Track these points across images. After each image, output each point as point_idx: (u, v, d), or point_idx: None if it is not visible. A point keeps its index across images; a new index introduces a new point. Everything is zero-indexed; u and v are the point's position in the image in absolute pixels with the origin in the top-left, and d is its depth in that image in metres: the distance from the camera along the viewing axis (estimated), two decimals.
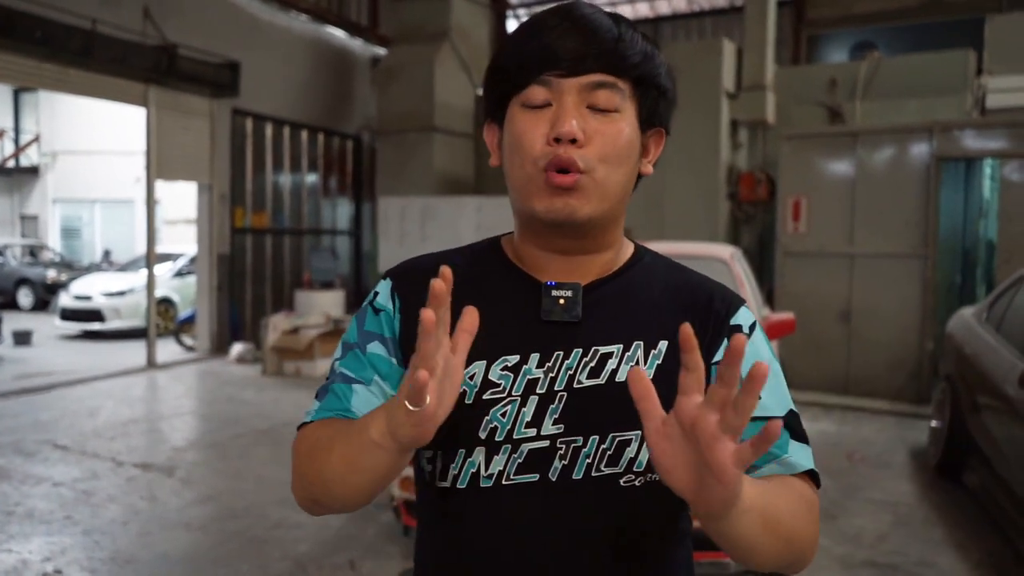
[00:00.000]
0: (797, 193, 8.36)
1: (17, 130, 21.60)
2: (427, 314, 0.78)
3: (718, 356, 0.99)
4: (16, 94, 21.23)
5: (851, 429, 6.88)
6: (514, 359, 0.98)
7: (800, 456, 0.98)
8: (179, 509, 4.73)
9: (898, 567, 3.99)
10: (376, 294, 1.07)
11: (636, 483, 0.95)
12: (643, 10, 16.61)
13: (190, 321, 10.92)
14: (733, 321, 1.02)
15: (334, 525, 4.35)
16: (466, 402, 0.96)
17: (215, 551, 4.16)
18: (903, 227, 7.87)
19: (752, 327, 1.02)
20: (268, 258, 11.58)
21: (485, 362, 0.98)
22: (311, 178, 12.46)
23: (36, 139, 21.46)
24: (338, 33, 12.59)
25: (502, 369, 0.97)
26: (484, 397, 0.96)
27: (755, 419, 0.97)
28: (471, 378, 0.97)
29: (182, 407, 7.76)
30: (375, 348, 1.03)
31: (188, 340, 10.85)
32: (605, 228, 1.00)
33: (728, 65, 9.75)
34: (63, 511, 4.62)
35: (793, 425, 0.99)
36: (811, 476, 0.99)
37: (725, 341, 1.00)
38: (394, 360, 1.03)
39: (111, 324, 12.18)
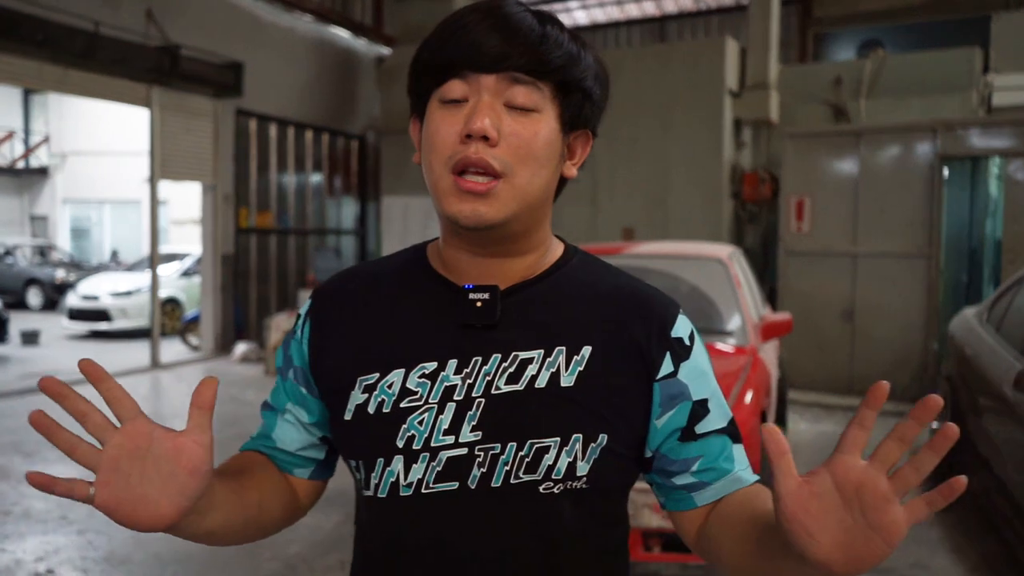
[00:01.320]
0: (800, 192, 8.32)
1: (27, 131, 21.77)
2: (34, 416, 0.82)
3: (662, 372, 0.98)
4: (26, 95, 21.39)
5: None
6: (431, 366, 0.96)
7: (741, 459, 1.01)
8: None
9: (892, 569, 3.96)
10: (299, 316, 1.09)
11: (555, 490, 0.93)
12: (650, 9, 16.57)
13: (196, 321, 10.96)
14: (674, 334, 1.00)
15: (326, 527, 4.35)
16: (384, 411, 0.95)
17: (207, 552, 4.15)
18: (907, 226, 7.82)
19: (691, 337, 1.01)
20: (272, 258, 11.62)
21: (403, 370, 0.96)
22: (315, 178, 12.48)
23: (45, 140, 21.63)
24: (342, 33, 12.60)
25: (419, 376, 0.96)
26: (401, 405, 0.95)
27: (707, 434, 0.99)
28: (389, 387, 0.96)
29: (184, 407, 7.77)
30: (291, 375, 1.06)
31: (194, 340, 10.89)
32: (524, 232, 0.97)
33: (731, 64, 9.71)
34: (59, 511, 4.64)
35: (731, 431, 1.01)
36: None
37: (667, 356, 0.98)
38: (304, 389, 1.05)
39: (118, 324, 12.25)
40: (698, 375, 0.99)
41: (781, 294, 8.40)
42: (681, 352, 0.99)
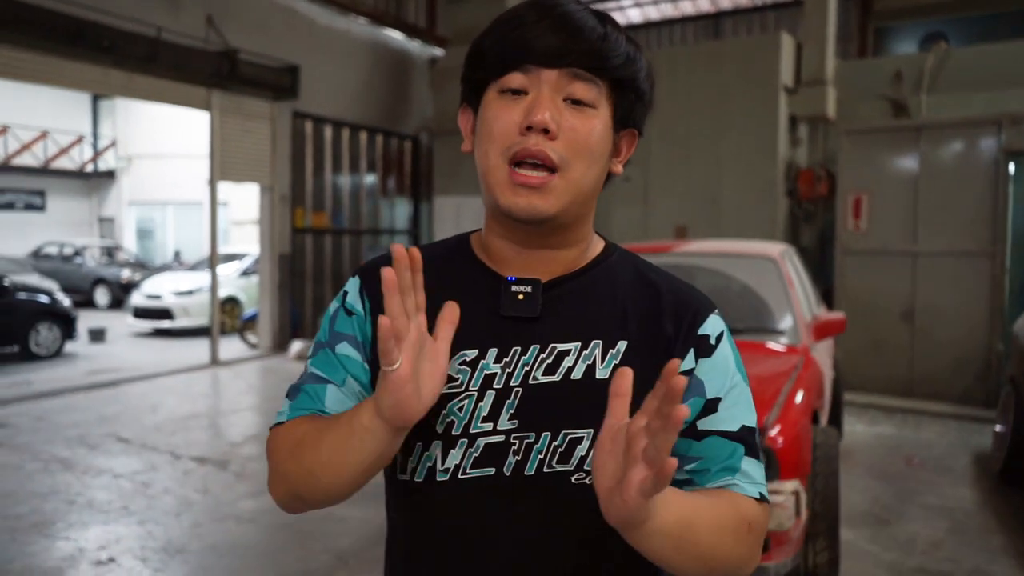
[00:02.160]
0: (858, 190, 8.14)
1: (95, 136, 22.50)
2: (386, 272, 0.82)
3: (683, 367, 0.98)
4: (94, 101, 22.12)
5: (911, 432, 6.67)
6: (472, 354, 0.98)
7: (752, 474, 0.98)
8: (231, 502, 4.86)
9: (950, 574, 3.86)
10: (346, 293, 1.07)
11: (587, 481, 0.94)
12: (704, 5, 16.39)
13: (254, 319, 11.21)
14: (701, 331, 1.01)
15: (375, 521, 4.41)
16: None
17: (262, 543, 4.26)
18: (970, 224, 7.59)
19: (719, 337, 1.02)
20: (327, 258, 11.81)
21: None
22: (369, 179, 12.65)
23: (113, 144, 22.35)
24: (396, 35, 12.75)
25: (460, 364, 0.98)
26: (442, 391, 0.96)
27: (708, 433, 0.98)
28: None
29: (240, 403, 7.97)
30: (345, 349, 1.03)
31: (252, 338, 11.14)
32: (571, 225, 1.00)
33: (787, 60, 9.54)
34: (121, 501, 4.80)
35: (748, 441, 0.99)
36: (764, 499, 0.99)
37: (691, 352, 0.99)
38: (366, 365, 1.03)
39: (180, 322, 12.59)
40: (717, 374, 0.99)
41: (838, 294, 8.23)
42: (705, 350, 1.00)
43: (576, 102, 0.94)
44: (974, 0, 12.72)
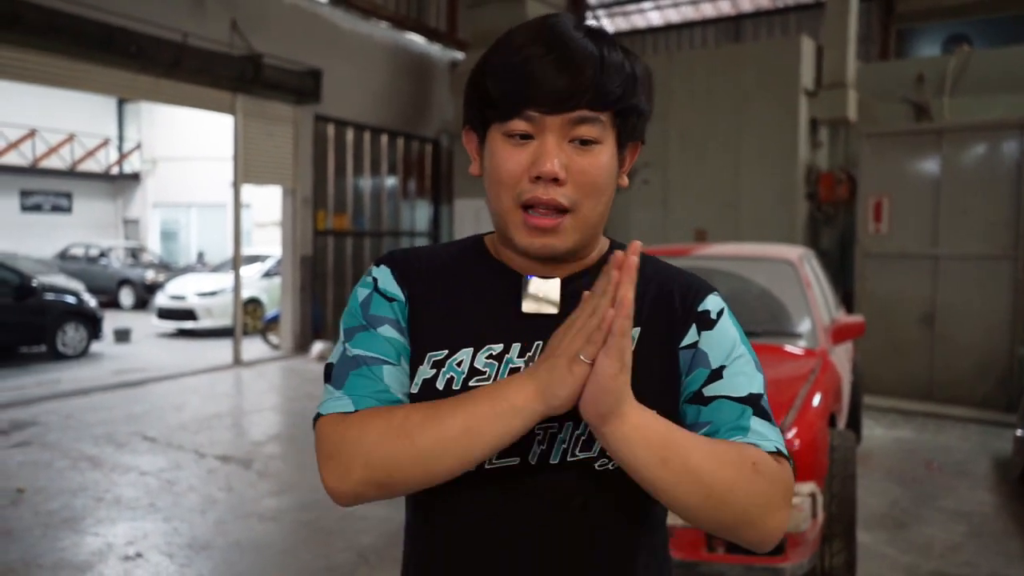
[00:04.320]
0: (878, 193, 8.13)
1: (121, 138, 22.80)
2: (630, 260, 0.88)
3: (685, 341, 1.04)
4: (120, 104, 22.41)
5: (931, 436, 6.65)
6: (498, 348, 1.02)
7: (764, 433, 0.98)
8: (254, 500, 4.94)
9: None
10: (375, 280, 1.08)
11: (610, 467, 0.98)
12: (725, 8, 16.35)
13: (276, 320, 11.33)
14: (701, 307, 1.06)
15: (397, 519, 4.47)
16: (453, 388, 1.00)
17: (284, 541, 4.34)
18: (992, 227, 7.56)
19: (720, 313, 1.06)
20: (349, 259, 11.91)
21: (472, 349, 1.02)
22: (390, 181, 12.75)
23: (138, 147, 22.65)
24: (417, 39, 12.85)
25: (487, 357, 1.02)
26: (471, 384, 1.01)
27: (715, 398, 1.00)
28: (458, 365, 1.02)
29: (263, 403, 8.08)
30: (388, 331, 1.03)
31: (274, 339, 11.26)
32: (583, 248, 1.05)
33: (807, 62, 9.53)
34: (147, 499, 4.90)
35: (756, 404, 1.00)
36: (781, 454, 0.99)
37: (693, 327, 1.04)
38: (408, 347, 1.04)
39: (203, 323, 12.75)
40: (719, 345, 1.03)
41: (858, 297, 8.21)
42: (706, 324, 1.05)
43: (584, 142, 0.97)
44: (998, 2, 12.62)
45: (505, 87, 0.96)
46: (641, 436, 0.89)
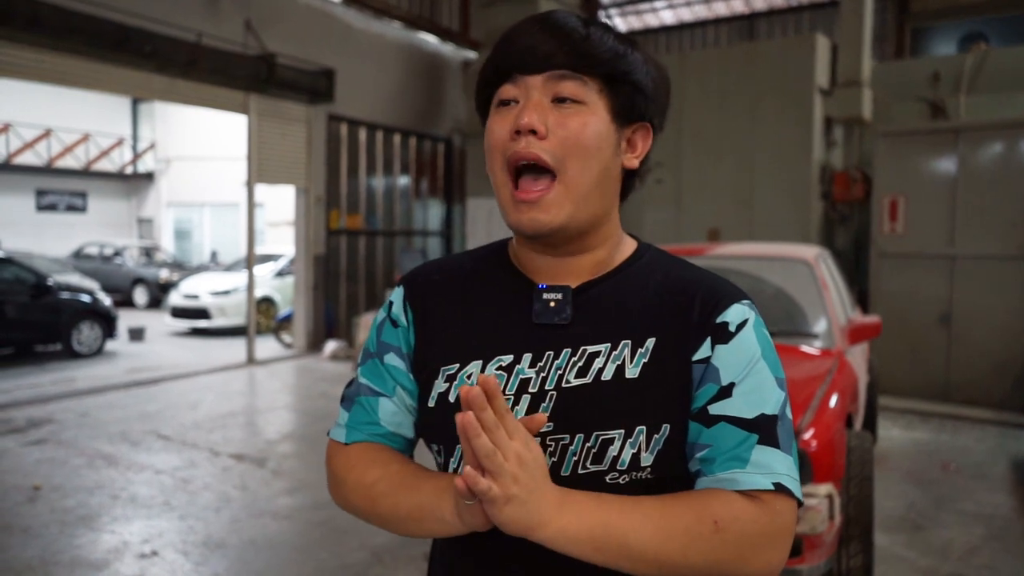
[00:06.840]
0: (894, 192, 8.07)
1: (135, 138, 22.94)
2: (463, 418, 0.84)
3: (698, 355, 0.98)
4: (134, 104, 22.55)
5: (948, 438, 6.60)
6: (508, 359, 1.01)
7: (766, 464, 0.94)
8: (268, 498, 4.95)
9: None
10: (391, 304, 1.12)
11: (620, 481, 0.96)
12: (738, 6, 16.29)
13: (289, 319, 11.37)
14: (719, 319, 0.99)
15: None
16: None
17: (298, 539, 4.35)
18: (1010, 227, 7.49)
19: (741, 326, 0.99)
20: (361, 258, 11.94)
21: (481, 361, 1.02)
22: (403, 180, 12.77)
23: (152, 146, 22.78)
24: (430, 39, 12.87)
25: (497, 368, 1.00)
26: None
27: (719, 419, 0.96)
28: (468, 377, 1.01)
29: (277, 402, 8.10)
30: (392, 360, 1.08)
31: (287, 338, 11.29)
32: (586, 228, 1.01)
33: (822, 61, 9.47)
34: (162, 497, 4.92)
35: (765, 429, 0.95)
36: (782, 488, 0.94)
37: (708, 340, 0.98)
38: (411, 375, 1.08)
39: (216, 322, 12.79)
40: (734, 360, 0.97)
41: (873, 297, 8.16)
42: (722, 337, 0.98)
43: (563, 100, 0.97)
44: (1015, 0, 12.51)
45: (495, 58, 1.01)
46: (568, 538, 0.89)
